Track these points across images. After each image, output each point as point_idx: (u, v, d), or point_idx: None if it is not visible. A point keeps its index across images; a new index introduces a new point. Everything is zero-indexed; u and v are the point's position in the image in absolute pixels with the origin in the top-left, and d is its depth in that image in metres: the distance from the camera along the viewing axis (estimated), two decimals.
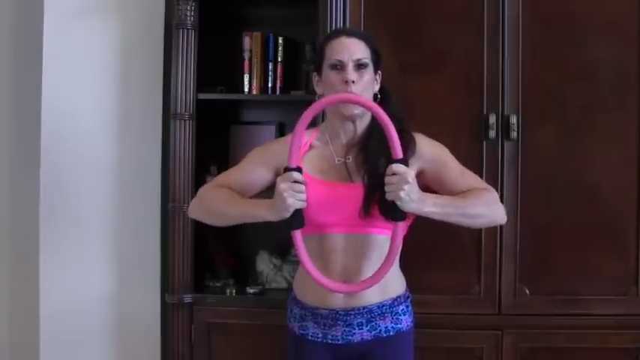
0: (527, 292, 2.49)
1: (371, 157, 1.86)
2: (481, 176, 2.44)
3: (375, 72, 1.92)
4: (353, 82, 1.85)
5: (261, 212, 1.81)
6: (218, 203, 1.93)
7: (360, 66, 1.87)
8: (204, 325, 2.63)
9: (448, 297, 2.50)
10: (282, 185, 1.73)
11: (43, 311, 2.83)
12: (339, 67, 1.87)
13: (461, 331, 2.50)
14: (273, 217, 1.78)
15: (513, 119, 2.45)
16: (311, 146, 1.95)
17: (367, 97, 1.88)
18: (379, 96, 1.94)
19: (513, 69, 2.46)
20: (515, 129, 2.45)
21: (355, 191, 1.84)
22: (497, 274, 2.49)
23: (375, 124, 1.87)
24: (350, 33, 1.94)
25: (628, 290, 2.49)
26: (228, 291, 2.68)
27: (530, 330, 2.49)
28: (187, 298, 2.62)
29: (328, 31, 2.42)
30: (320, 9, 2.49)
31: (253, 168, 1.98)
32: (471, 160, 2.28)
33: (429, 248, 2.42)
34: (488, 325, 2.50)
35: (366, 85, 1.88)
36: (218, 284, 2.73)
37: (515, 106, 2.47)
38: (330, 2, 2.46)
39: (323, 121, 2.12)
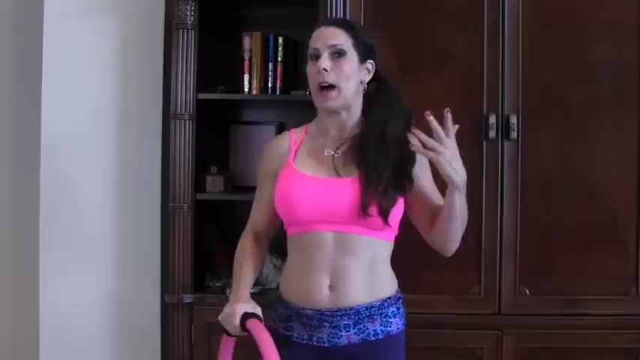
0: (527, 292, 2.49)
1: (370, 152, 1.79)
2: (481, 176, 2.46)
3: (363, 62, 1.84)
4: (325, 70, 1.79)
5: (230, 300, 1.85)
6: (235, 262, 1.95)
7: (336, 53, 1.81)
8: (204, 325, 2.62)
9: (448, 297, 2.50)
10: (227, 311, 1.80)
11: (43, 311, 2.84)
12: (316, 56, 1.83)
13: (461, 331, 2.50)
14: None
15: (513, 119, 2.45)
16: (302, 142, 1.91)
17: (348, 86, 1.81)
18: (366, 87, 1.86)
19: (513, 69, 2.46)
20: (515, 129, 2.45)
21: (344, 187, 1.78)
22: (497, 274, 2.49)
23: (371, 124, 1.83)
24: (330, 22, 1.89)
25: (628, 290, 2.49)
26: (228, 291, 2.66)
27: (530, 330, 2.49)
28: (187, 298, 2.62)
29: None
30: (320, 9, 2.49)
31: (265, 194, 1.93)
32: (471, 160, 2.25)
33: (429, 248, 2.40)
34: (488, 325, 2.50)
35: (345, 74, 1.80)
36: (218, 284, 2.74)
37: (515, 106, 2.46)
38: (330, 2, 2.47)
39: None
